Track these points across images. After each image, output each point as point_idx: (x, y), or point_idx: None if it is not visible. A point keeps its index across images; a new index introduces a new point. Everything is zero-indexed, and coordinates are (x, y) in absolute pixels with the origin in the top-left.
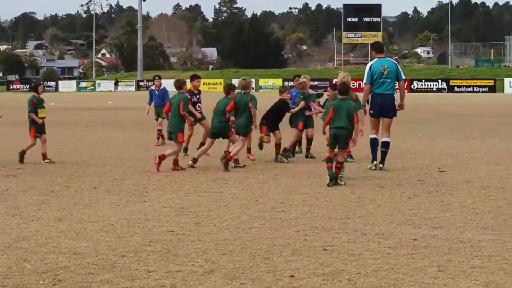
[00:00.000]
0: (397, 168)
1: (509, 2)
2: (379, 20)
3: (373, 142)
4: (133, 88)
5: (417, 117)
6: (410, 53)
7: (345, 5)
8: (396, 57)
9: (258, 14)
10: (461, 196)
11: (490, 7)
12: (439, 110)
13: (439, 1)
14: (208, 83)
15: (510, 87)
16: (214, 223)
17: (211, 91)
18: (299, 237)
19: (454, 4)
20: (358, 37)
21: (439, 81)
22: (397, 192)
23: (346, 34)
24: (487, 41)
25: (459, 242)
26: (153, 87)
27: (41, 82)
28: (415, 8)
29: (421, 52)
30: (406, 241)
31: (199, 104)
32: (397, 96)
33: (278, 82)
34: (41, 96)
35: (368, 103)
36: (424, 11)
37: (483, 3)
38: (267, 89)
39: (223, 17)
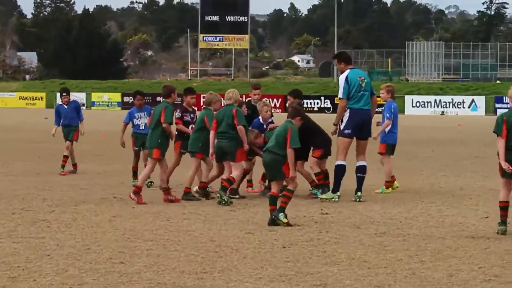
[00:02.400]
0: (267, 209)
1: None
2: (246, 20)
3: (341, 170)
4: None
5: None
6: (285, 62)
7: (202, 0)
8: (267, 67)
9: (91, 9)
10: (349, 245)
11: (388, 5)
12: None
13: None
14: (26, 98)
15: (413, 106)
16: (34, 277)
17: (30, 107)
18: None
19: (342, 0)
20: (219, 40)
21: (322, 98)
22: (268, 240)
23: (203, 36)
24: (384, 47)
25: None
26: (60, 102)
27: None
28: (292, 4)
29: (299, 61)
30: None
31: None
32: None
33: (116, 97)
34: None
35: (341, 121)
36: (304, 8)
37: None
38: (102, 106)
39: (45, 13)
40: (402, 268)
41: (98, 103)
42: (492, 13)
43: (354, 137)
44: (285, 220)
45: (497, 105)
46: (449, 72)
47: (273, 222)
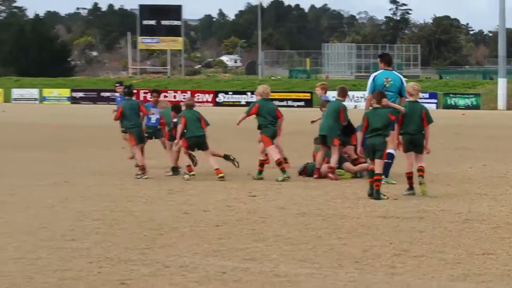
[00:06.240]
0: (202, 191)
1: (326, 5)
2: (180, 24)
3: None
4: None
5: (224, 134)
6: (215, 61)
7: (140, 6)
8: (200, 65)
9: (41, 14)
10: (275, 224)
11: (306, 11)
12: (250, 127)
13: (247, 3)
14: None
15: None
16: None
17: None
18: (93, 270)
19: (265, 7)
20: (156, 42)
21: (249, 94)
22: (203, 219)
23: (142, 39)
24: (303, 49)
25: (274, 276)
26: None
27: None
28: (220, 10)
29: (227, 61)
30: (214, 274)
31: None
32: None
33: (65, 92)
34: None
35: None
36: (231, 14)
37: (297, 5)
38: (53, 101)
39: (0, 17)
40: (322, 244)
41: (49, 98)
42: (398, 18)
43: None
44: (386, 197)
45: None
46: (361, 70)
47: (372, 194)
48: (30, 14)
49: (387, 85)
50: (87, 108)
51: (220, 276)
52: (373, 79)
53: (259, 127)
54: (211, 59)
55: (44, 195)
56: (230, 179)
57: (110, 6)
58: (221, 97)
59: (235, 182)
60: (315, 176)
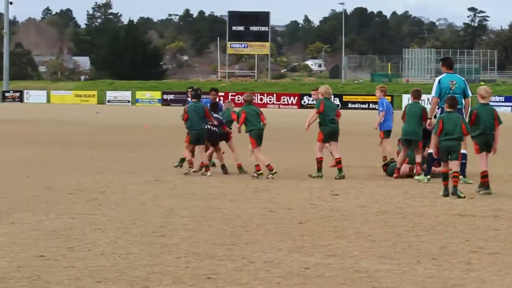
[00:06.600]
0: (286, 190)
1: (408, 11)
2: (267, 30)
3: (432, 157)
4: None
5: (308, 135)
6: (300, 65)
7: (230, 12)
8: (285, 69)
9: (135, 20)
10: (356, 221)
11: (388, 17)
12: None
13: (332, 10)
14: (80, 95)
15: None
16: (88, 247)
17: (84, 103)
18: (181, 264)
19: (349, 13)
20: (244, 47)
21: (332, 96)
22: (287, 217)
23: (231, 44)
24: (384, 54)
25: (355, 272)
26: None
27: None
28: (306, 16)
29: (312, 65)
30: (298, 270)
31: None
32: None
33: (157, 95)
34: None
35: (435, 117)
36: (316, 20)
37: (380, 12)
38: (145, 103)
39: (97, 23)
40: (401, 241)
41: (141, 100)
42: (476, 24)
43: None
44: (463, 196)
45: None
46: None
47: (447, 194)
48: (125, 20)
49: (452, 88)
50: (177, 110)
51: (303, 272)
52: (439, 82)
53: (320, 124)
54: (297, 64)
55: (135, 193)
56: (313, 179)
57: (201, 13)
58: (306, 100)
59: (318, 181)
60: (395, 175)
